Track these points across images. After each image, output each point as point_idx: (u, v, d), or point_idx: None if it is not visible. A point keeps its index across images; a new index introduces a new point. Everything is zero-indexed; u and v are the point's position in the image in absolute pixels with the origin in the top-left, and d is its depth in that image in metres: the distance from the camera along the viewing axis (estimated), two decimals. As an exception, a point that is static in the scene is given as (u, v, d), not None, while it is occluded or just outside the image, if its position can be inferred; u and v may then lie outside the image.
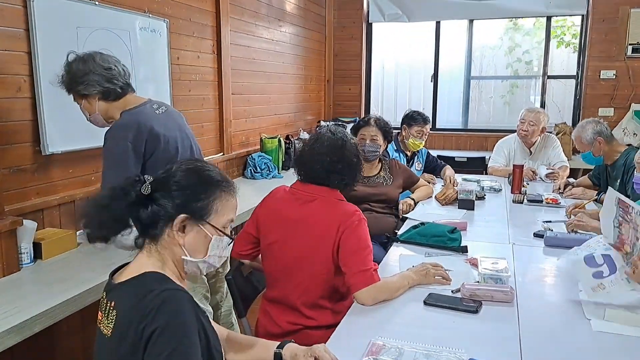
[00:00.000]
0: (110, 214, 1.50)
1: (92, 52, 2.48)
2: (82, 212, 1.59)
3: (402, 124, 4.50)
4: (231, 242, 1.61)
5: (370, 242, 2.18)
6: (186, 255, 1.52)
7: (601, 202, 3.73)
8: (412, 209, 3.62)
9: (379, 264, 2.29)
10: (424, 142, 4.48)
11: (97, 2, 3.04)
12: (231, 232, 1.63)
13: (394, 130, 3.86)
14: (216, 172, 1.60)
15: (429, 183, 4.15)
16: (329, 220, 2.18)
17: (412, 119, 4.45)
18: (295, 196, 2.30)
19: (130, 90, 2.55)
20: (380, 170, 3.66)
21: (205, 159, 4.07)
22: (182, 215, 1.50)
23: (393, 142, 4.38)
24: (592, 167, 4.28)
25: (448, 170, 4.48)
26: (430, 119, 4.74)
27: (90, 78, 2.42)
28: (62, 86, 2.47)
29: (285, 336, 2.10)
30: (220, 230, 1.55)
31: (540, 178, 4.58)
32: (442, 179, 4.40)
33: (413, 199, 3.72)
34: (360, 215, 2.21)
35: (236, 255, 2.44)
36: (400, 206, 3.61)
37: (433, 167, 4.61)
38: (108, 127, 2.49)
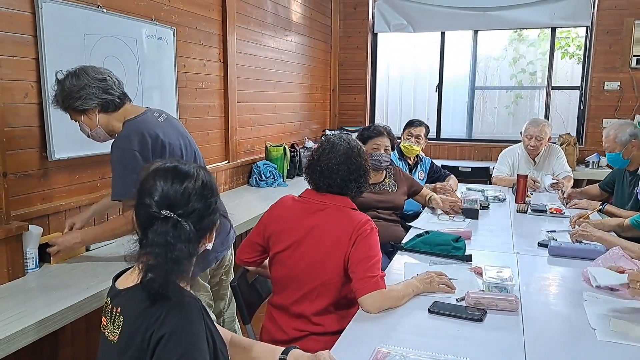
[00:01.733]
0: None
1: (83, 66, 2.43)
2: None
3: None
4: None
5: (379, 251, 2.19)
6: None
7: (605, 213, 3.72)
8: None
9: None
10: (418, 147, 4.46)
11: (104, 10, 3.06)
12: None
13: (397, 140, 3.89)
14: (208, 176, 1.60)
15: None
16: (342, 228, 2.18)
17: (406, 123, 4.57)
18: (306, 205, 2.31)
19: (128, 99, 2.52)
20: (385, 177, 3.67)
21: (210, 166, 4.10)
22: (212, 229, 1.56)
23: (396, 150, 4.40)
24: (595, 177, 4.22)
25: (452, 179, 4.48)
26: (428, 124, 4.78)
27: (87, 91, 2.36)
28: (56, 106, 2.43)
29: (291, 342, 2.09)
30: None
31: (545, 188, 4.58)
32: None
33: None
34: (372, 224, 2.22)
35: (241, 262, 2.45)
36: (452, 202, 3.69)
37: (437, 177, 4.59)
38: (112, 140, 2.47)
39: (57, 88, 2.40)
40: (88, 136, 2.50)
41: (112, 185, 2.44)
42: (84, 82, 2.36)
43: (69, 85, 2.36)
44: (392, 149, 3.70)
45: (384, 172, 3.68)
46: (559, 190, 4.38)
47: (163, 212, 1.41)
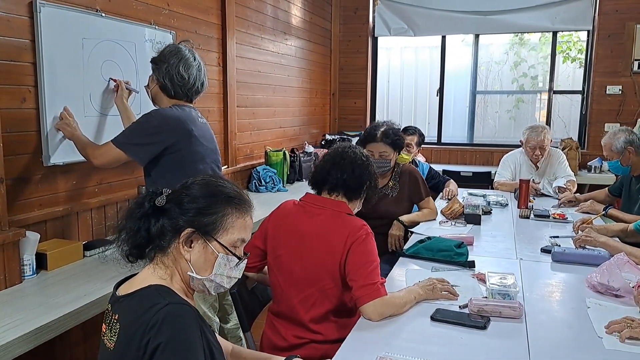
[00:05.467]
0: (128, 226, 1.52)
1: (184, 52, 2.69)
2: (118, 226, 1.57)
3: None
4: (240, 263, 1.56)
5: (377, 256, 2.16)
6: (192, 272, 1.49)
7: (608, 216, 3.69)
8: (401, 240, 3.39)
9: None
10: (408, 156, 4.36)
11: (103, 14, 3.03)
12: (245, 252, 1.59)
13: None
14: (231, 188, 1.57)
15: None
16: (336, 234, 2.16)
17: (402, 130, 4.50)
18: (304, 209, 2.29)
19: (185, 99, 2.72)
20: (390, 180, 3.58)
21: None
22: (189, 229, 1.48)
23: None
24: (598, 182, 4.20)
25: (451, 184, 4.44)
26: (429, 129, 4.73)
27: (162, 68, 2.65)
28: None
29: (292, 350, 2.07)
30: (227, 249, 1.52)
31: (546, 193, 4.55)
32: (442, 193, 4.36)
33: (403, 222, 3.45)
34: (367, 229, 2.18)
35: None
36: (389, 240, 3.42)
37: (436, 182, 4.54)
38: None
39: (166, 45, 2.76)
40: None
41: (121, 132, 2.62)
42: (168, 62, 2.65)
43: (165, 52, 2.69)
44: (400, 148, 3.53)
45: (390, 175, 3.60)
46: (563, 195, 4.36)
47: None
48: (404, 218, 3.48)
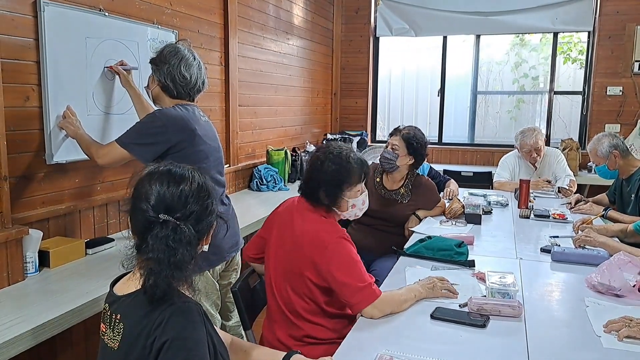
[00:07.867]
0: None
1: (183, 51, 2.67)
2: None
3: None
4: None
5: (357, 255, 2.15)
6: None
7: (608, 218, 3.70)
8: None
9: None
10: None
11: (106, 13, 3.05)
12: None
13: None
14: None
15: None
16: (312, 237, 2.16)
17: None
18: (298, 209, 2.30)
19: (187, 99, 2.71)
20: (402, 186, 3.57)
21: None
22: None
23: None
24: (598, 182, 4.21)
25: (452, 184, 4.44)
26: (430, 128, 4.70)
27: (162, 68, 2.62)
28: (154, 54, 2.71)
29: (289, 349, 2.07)
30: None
31: (554, 190, 4.57)
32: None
33: (419, 217, 3.58)
34: (341, 233, 2.18)
35: (247, 258, 2.47)
36: (406, 233, 3.53)
37: (436, 182, 4.52)
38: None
39: (163, 46, 2.71)
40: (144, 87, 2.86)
41: (125, 132, 2.57)
42: (169, 62, 2.62)
43: (164, 52, 2.66)
44: (415, 155, 3.49)
45: (404, 180, 3.58)
46: (563, 196, 4.37)
47: (161, 216, 1.40)
48: (421, 213, 3.59)
